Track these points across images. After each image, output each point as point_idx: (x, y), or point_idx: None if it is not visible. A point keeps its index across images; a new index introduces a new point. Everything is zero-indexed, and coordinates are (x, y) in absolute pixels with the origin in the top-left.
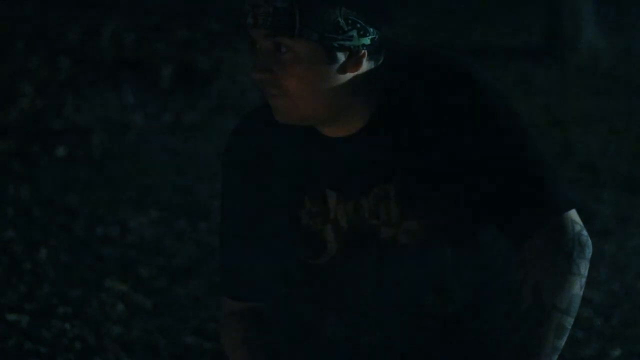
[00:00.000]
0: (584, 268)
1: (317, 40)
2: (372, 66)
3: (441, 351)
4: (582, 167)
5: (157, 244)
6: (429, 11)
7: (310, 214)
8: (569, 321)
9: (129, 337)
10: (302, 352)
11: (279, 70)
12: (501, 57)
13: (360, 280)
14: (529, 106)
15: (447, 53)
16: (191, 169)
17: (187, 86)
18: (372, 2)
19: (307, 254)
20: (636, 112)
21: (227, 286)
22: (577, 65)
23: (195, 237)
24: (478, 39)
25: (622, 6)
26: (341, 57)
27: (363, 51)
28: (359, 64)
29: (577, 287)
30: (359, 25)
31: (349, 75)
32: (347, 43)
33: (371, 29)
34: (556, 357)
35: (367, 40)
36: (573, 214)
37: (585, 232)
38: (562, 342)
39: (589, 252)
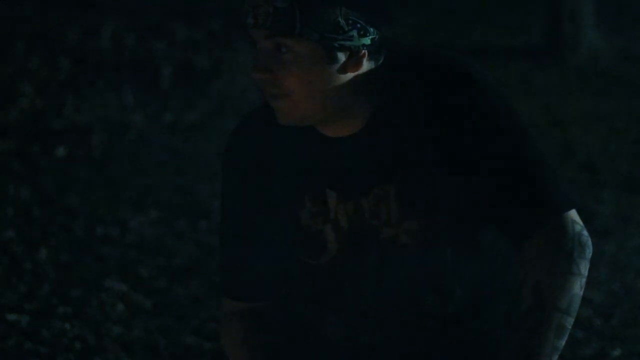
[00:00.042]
0: (584, 268)
1: (318, 41)
2: (373, 66)
3: (441, 351)
4: (582, 167)
5: (157, 244)
6: (429, 11)
7: (311, 214)
8: (569, 321)
9: (129, 337)
10: (302, 352)
11: (279, 70)
12: (501, 57)
13: (361, 280)
14: (529, 106)
15: (447, 53)
16: (191, 169)
17: (187, 86)
18: (372, 2)
19: (307, 254)
20: (636, 112)
21: (227, 286)
22: (577, 66)
23: (195, 237)
24: (478, 39)
25: (622, 6)
26: (341, 57)
27: (363, 51)
28: (359, 64)
29: (578, 287)
30: (359, 25)
31: (350, 75)
32: (348, 43)
33: (371, 29)
34: (556, 357)
35: (367, 40)
36: (573, 214)
37: (585, 232)
38: (562, 342)
39: (589, 252)
